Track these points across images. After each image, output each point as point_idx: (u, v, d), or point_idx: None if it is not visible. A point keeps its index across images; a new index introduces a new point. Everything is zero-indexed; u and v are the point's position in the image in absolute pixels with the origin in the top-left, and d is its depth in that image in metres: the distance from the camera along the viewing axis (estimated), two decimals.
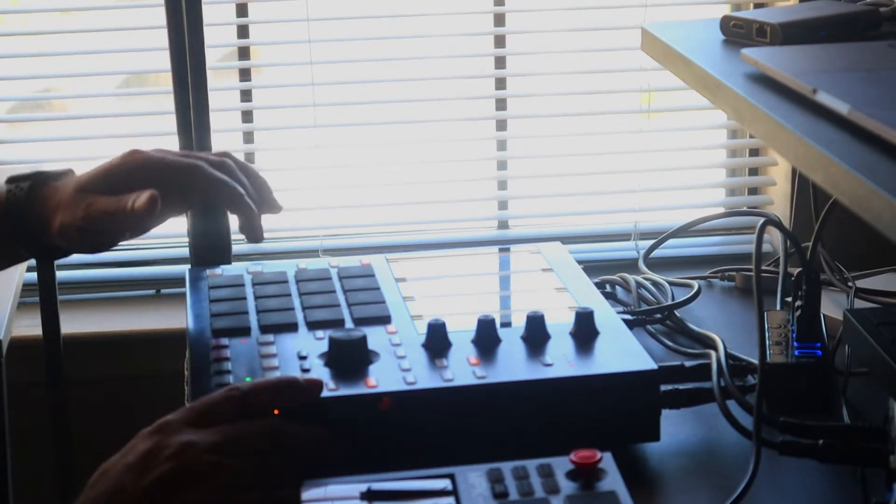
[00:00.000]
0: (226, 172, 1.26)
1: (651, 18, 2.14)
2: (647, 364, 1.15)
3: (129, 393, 2.09)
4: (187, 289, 1.35)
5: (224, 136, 2.17)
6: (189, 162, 1.25)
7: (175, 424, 1.01)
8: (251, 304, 1.29)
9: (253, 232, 1.26)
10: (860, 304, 1.48)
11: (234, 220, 1.33)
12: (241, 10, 2.13)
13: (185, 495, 0.97)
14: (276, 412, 1.06)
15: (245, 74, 2.18)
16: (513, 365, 1.15)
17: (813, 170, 0.88)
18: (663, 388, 1.19)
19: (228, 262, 1.49)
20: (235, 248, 1.52)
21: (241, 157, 2.18)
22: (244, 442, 1.01)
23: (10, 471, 1.80)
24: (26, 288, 1.94)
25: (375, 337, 1.19)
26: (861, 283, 1.54)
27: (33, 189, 1.24)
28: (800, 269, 1.36)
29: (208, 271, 1.39)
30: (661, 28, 1.31)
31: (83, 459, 2.07)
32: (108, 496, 0.97)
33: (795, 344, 1.29)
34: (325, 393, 1.09)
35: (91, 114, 2.25)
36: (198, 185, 1.24)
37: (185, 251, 1.70)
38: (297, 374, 1.13)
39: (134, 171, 1.23)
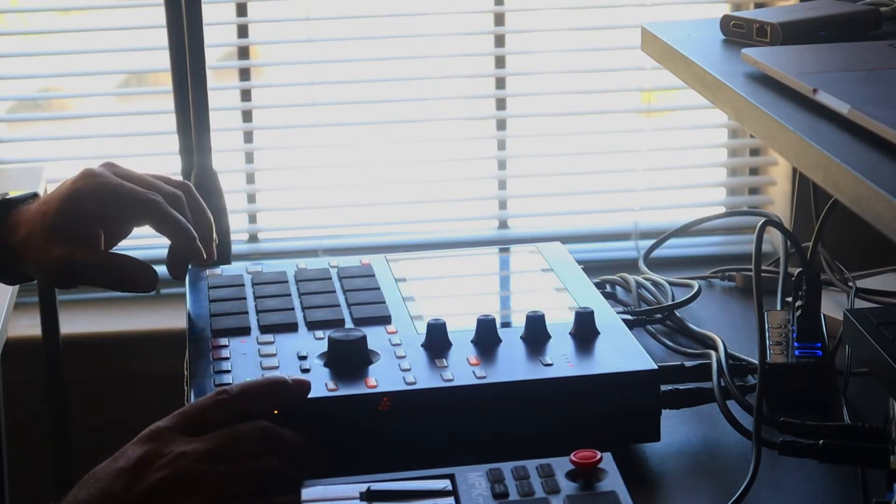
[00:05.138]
0: (178, 209, 1.24)
1: (651, 18, 2.14)
2: (647, 364, 1.15)
3: (129, 393, 2.09)
4: (187, 289, 1.35)
5: (224, 136, 2.17)
6: (148, 197, 1.22)
7: (168, 432, 1.00)
8: (251, 304, 1.29)
9: (176, 266, 1.25)
10: (860, 304, 1.48)
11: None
12: (241, 10, 2.14)
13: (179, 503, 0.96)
14: (275, 413, 1.05)
15: (245, 74, 2.18)
16: (513, 365, 1.15)
17: (813, 170, 0.88)
18: (663, 388, 1.19)
19: (228, 262, 1.49)
20: (235, 248, 1.52)
21: (241, 157, 2.20)
22: (238, 447, 1.00)
23: (6, 470, 1.80)
24: (26, 288, 1.94)
25: (375, 337, 1.19)
26: (861, 283, 1.54)
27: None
28: (800, 269, 1.36)
29: (208, 271, 1.39)
30: (661, 28, 1.31)
31: (82, 460, 2.07)
32: (97, 501, 0.96)
33: (795, 344, 1.29)
34: (325, 393, 1.09)
35: (90, 113, 2.25)
36: (152, 218, 1.23)
37: None
38: (298, 374, 1.13)
39: (94, 200, 1.21)
